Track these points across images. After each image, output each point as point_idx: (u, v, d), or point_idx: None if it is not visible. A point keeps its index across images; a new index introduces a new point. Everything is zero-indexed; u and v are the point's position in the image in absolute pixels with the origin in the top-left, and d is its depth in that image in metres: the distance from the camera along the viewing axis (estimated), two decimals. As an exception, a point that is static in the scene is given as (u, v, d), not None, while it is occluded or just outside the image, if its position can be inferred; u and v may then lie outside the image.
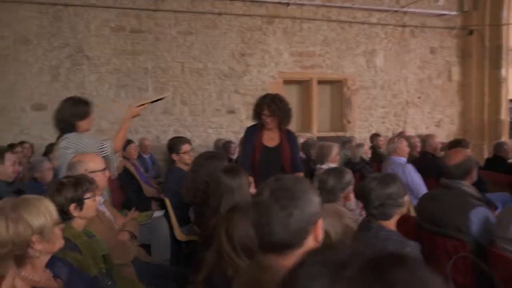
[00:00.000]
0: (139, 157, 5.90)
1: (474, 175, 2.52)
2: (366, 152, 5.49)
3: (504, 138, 8.01)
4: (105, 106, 6.64)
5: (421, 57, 8.31)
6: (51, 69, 6.47)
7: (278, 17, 7.41)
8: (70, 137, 2.80)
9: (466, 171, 2.49)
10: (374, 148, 6.55)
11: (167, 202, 3.54)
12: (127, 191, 4.31)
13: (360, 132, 7.92)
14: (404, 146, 4.76)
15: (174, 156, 4.00)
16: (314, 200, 1.18)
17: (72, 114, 2.81)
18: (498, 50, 8.19)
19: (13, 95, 6.35)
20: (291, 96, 7.71)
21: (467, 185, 2.52)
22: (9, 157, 3.12)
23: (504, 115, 8.26)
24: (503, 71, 8.20)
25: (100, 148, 2.82)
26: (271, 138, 3.48)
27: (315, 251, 0.59)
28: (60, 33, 6.47)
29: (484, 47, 8.27)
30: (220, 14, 7.10)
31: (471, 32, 8.37)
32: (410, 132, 7.80)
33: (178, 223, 3.38)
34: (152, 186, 4.97)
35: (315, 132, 7.69)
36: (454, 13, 8.33)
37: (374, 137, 6.96)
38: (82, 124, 2.84)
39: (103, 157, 2.70)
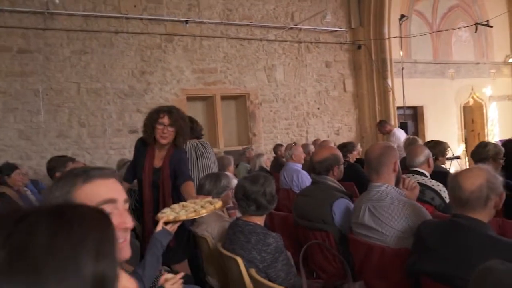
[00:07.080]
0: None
1: (337, 171, 2.74)
2: (265, 162, 5.68)
3: (394, 141, 8.80)
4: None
5: (317, 70, 8.88)
6: None
7: (177, 35, 7.47)
8: None
9: (328, 167, 2.69)
10: (277, 158, 6.80)
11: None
12: None
13: (266, 144, 8.19)
14: (299, 152, 5.05)
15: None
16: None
17: None
18: (383, 62, 9.06)
19: None
20: (196, 112, 7.75)
21: (330, 180, 2.73)
22: None
23: (393, 121, 9.09)
24: (389, 81, 9.07)
25: None
26: (158, 158, 2.89)
27: None
28: None
29: (371, 60, 9.10)
30: (116, 32, 6.97)
31: (359, 47, 9.16)
32: (313, 141, 8.25)
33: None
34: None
35: (222, 146, 7.79)
36: (343, 29, 9.07)
37: (277, 147, 7.23)
38: None
39: None
